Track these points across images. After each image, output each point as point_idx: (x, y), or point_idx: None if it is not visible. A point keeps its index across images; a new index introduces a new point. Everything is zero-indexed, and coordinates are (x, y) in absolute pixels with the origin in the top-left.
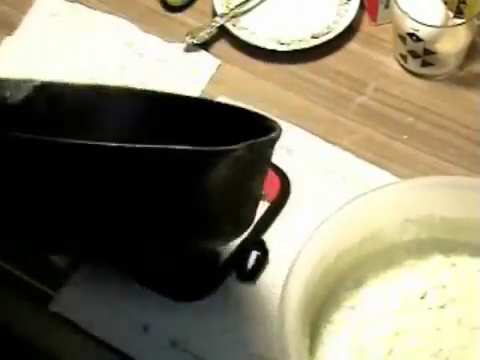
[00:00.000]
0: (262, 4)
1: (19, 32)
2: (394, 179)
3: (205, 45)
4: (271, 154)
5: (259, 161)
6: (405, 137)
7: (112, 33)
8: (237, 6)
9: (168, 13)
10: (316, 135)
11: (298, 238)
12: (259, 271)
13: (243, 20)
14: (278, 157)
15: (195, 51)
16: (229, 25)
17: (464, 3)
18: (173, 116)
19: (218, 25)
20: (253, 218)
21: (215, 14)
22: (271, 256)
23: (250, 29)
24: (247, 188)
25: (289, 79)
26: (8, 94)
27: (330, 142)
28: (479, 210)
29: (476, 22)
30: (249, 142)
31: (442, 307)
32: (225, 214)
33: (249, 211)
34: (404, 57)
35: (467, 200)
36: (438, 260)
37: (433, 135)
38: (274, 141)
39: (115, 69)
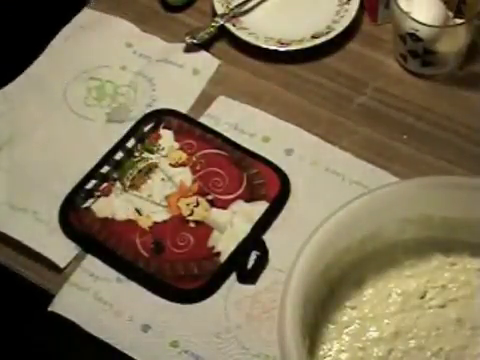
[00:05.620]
0: (262, 4)
1: None
2: (394, 179)
3: (205, 45)
4: None
5: None
6: (405, 137)
7: (112, 33)
8: (237, 6)
9: (168, 13)
10: (316, 135)
11: (298, 238)
12: (259, 271)
13: (243, 20)
14: (278, 157)
15: (195, 51)
16: (229, 25)
17: (464, 3)
18: None
19: (218, 25)
20: None
21: (215, 14)
22: (271, 256)
23: (250, 29)
24: None
25: (289, 79)
26: None
27: (330, 142)
28: (478, 210)
29: (476, 22)
30: None
31: (442, 307)
32: None
33: None
34: (404, 57)
35: (467, 200)
36: (438, 260)
37: (433, 135)
38: None
39: (115, 69)
